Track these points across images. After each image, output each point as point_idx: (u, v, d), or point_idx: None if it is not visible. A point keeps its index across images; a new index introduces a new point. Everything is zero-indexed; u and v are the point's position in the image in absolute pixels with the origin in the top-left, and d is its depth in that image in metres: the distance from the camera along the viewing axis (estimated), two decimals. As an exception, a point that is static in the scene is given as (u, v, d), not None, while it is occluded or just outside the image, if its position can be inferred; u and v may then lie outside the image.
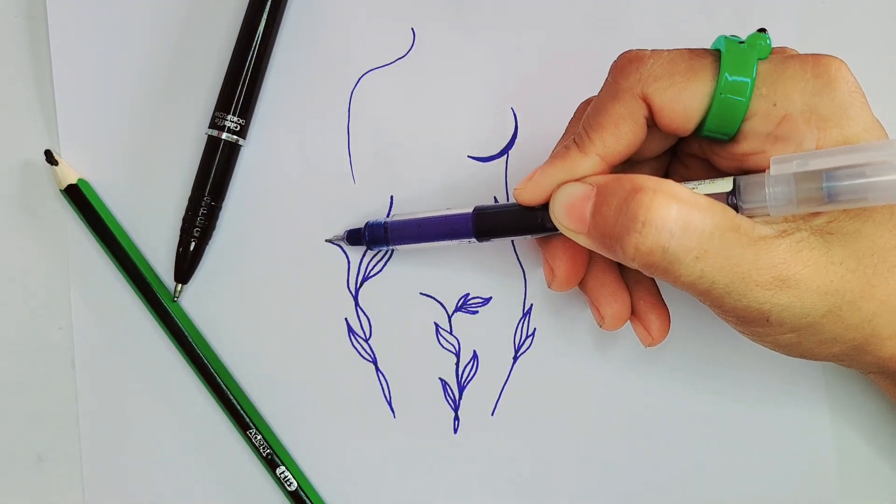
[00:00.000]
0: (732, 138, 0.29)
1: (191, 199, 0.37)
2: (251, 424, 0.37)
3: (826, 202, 0.26)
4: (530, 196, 0.30)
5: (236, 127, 0.36)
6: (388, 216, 0.37)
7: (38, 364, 0.38)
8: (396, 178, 0.37)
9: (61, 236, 0.38)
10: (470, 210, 0.33)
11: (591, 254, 0.33)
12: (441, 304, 0.38)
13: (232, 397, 0.37)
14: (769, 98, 0.27)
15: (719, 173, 0.30)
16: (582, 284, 0.33)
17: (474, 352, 0.38)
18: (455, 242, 0.34)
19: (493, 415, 0.38)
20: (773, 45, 0.28)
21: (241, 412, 0.37)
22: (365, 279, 0.38)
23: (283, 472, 0.37)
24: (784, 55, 0.28)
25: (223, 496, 0.38)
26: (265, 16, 0.36)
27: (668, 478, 0.37)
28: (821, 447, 0.37)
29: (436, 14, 0.38)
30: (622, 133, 0.29)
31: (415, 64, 0.38)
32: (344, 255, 0.38)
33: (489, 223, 0.32)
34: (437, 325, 0.38)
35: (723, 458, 0.37)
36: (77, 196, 0.37)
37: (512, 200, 0.32)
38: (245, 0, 0.36)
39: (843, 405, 0.38)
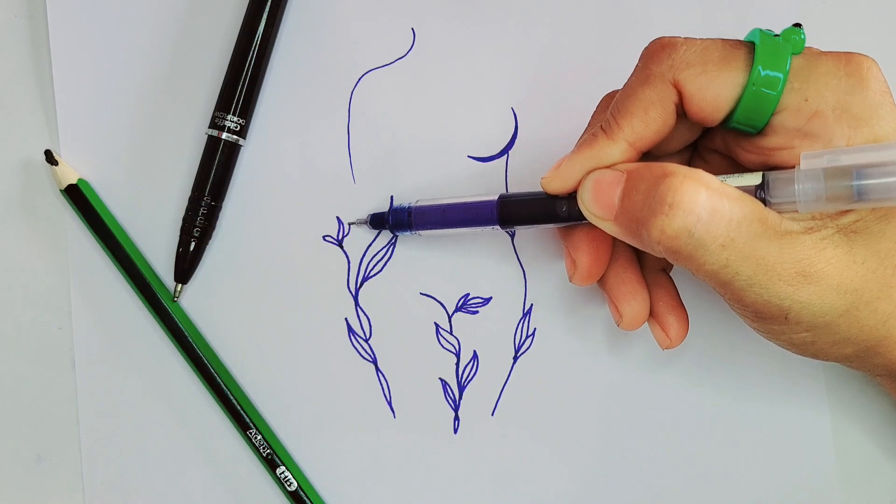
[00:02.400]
0: (760, 132, 0.28)
1: (191, 199, 0.37)
2: (251, 424, 0.37)
3: (855, 200, 0.26)
4: (558, 184, 0.30)
5: (236, 127, 0.36)
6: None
7: (38, 364, 0.38)
8: (396, 178, 0.37)
9: (61, 236, 0.38)
10: (495, 197, 0.33)
11: (612, 249, 0.33)
12: (441, 304, 0.38)
13: (232, 397, 0.37)
14: (801, 93, 0.27)
15: (741, 170, 0.30)
16: (601, 282, 0.33)
17: (474, 352, 0.38)
18: (478, 229, 0.34)
19: (493, 415, 0.38)
20: None
21: (241, 412, 0.37)
22: (365, 279, 0.38)
23: (283, 472, 0.37)
24: (814, 51, 0.28)
25: (223, 496, 0.38)
26: (265, 16, 0.36)
27: (668, 478, 0.37)
28: (821, 447, 0.37)
29: (436, 14, 0.38)
30: (651, 119, 0.29)
31: (415, 64, 0.38)
32: (344, 255, 0.38)
33: (514, 211, 0.32)
34: (437, 325, 0.38)
35: (723, 459, 0.37)
36: (77, 196, 0.37)
37: (537, 188, 0.31)
38: (245, 0, 0.36)
39: (843, 405, 0.37)
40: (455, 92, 0.38)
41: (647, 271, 0.34)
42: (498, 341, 0.38)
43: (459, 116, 0.38)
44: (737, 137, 0.30)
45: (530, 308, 0.38)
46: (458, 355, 0.38)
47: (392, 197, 0.37)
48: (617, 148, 0.29)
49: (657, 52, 0.29)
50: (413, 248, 0.37)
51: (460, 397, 0.38)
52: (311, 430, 0.38)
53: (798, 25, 0.28)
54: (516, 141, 0.37)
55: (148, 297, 0.37)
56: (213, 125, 0.36)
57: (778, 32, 0.28)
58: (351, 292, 0.38)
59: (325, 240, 0.38)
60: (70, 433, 0.38)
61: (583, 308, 0.37)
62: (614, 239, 0.31)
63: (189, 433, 0.38)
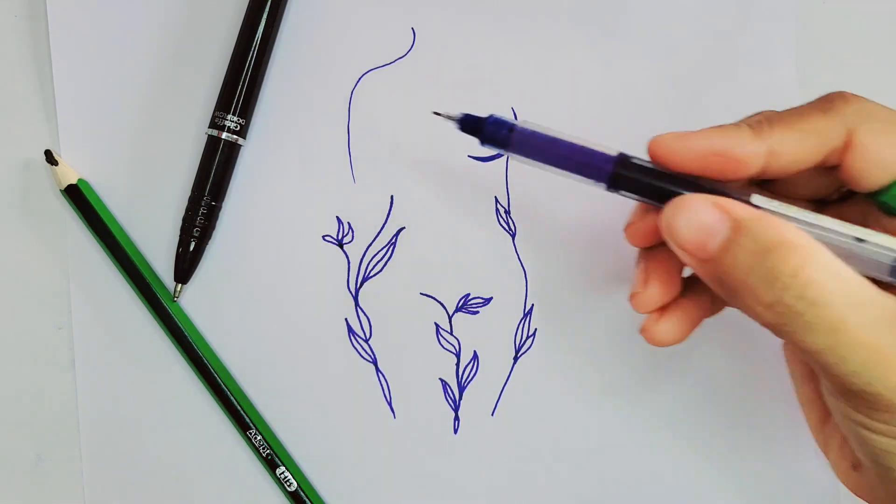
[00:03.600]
0: None
1: (191, 199, 0.37)
2: (251, 424, 0.37)
3: None
4: (673, 146, 0.26)
5: (236, 127, 0.36)
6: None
7: (38, 364, 0.38)
8: (396, 178, 0.37)
9: (61, 236, 0.38)
10: (614, 152, 0.28)
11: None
12: (441, 304, 0.38)
13: (232, 397, 0.37)
14: None
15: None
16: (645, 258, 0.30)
17: (474, 352, 0.38)
18: (577, 180, 0.29)
19: (493, 415, 0.38)
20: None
21: (241, 412, 0.37)
22: (365, 279, 0.38)
23: (283, 473, 0.37)
24: None
25: (223, 496, 0.38)
26: (265, 16, 0.36)
27: (667, 479, 0.37)
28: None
29: (436, 13, 0.38)
30: (808, 146, 0.26)
31: (415, 64, 0.38)
32: (344, 255, 0.38)
33: (632, 172, 0.27)
34: (437, 325, 0.38)
35: (722, 459, 0.37)
36: (77, 196, 0.37)
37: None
38: (245, 0, 0.36)
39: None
40: (455, 92, 0.38)
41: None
42: (498, 341, 0.38)
43: (459, 116, 0.38)
44: (877, 214, 0.27)
45: (531, 308, 0.38)
46: (458, 355, 0.38)
47: (392, 197, 0.37)
48: (757, 146, 0.26)
49: (840, 95, 0.27)
50: (413, 248, 0.37)
51: (460, 397, 0.38)
52: (311, 430, 0.38)
53: None
54: (516, 141, 0.37)
55: (148, 297, 0.37)
56: (213, 125, 0.36)
57: None
58: (351, 292, 0.38)
59: (325, 240, 0.38)
60: (70, 433, 0.38)
61: (583, 308, 0.37)
62: None
63: (189, 433, 0.38)
